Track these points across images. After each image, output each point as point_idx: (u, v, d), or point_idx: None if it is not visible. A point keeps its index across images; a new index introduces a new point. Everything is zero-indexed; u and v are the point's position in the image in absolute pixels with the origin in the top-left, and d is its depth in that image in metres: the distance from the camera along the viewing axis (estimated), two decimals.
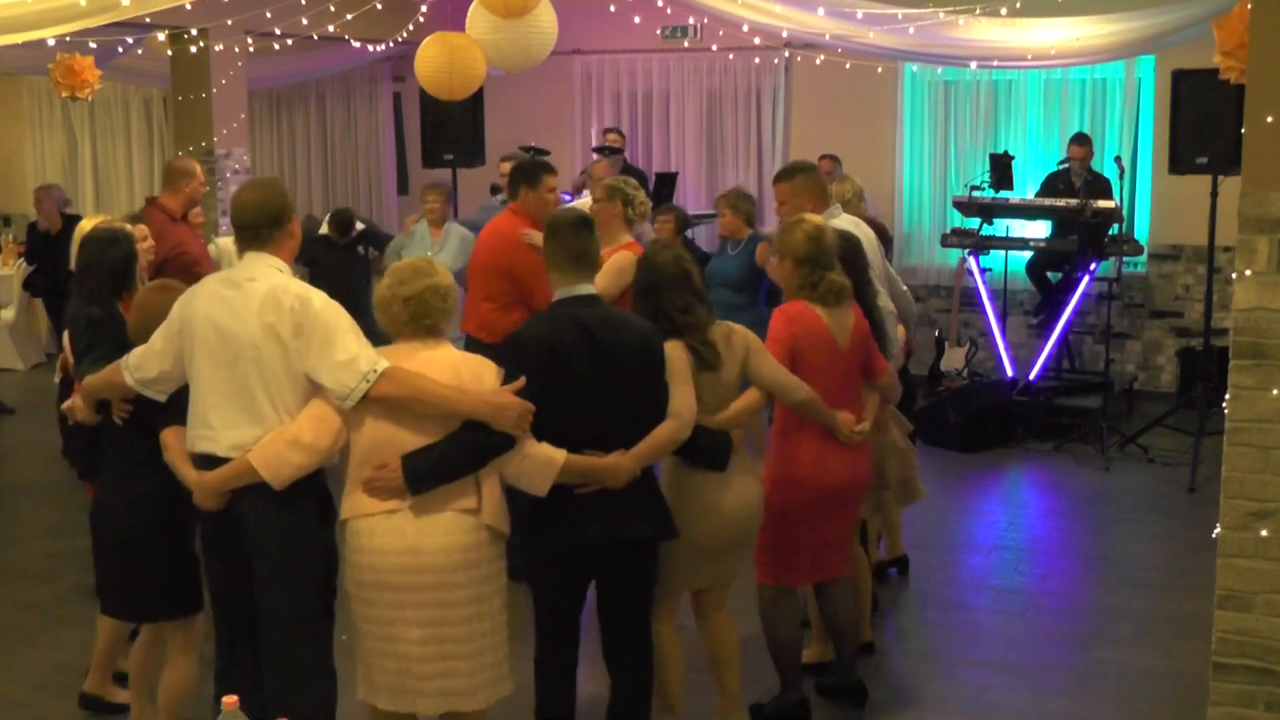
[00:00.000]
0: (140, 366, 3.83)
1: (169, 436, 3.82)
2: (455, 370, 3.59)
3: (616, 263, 5.20)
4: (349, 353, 3.50)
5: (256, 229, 3.72)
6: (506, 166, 8.46)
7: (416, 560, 3.52)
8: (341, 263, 8.30)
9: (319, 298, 3.62)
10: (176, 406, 3.81)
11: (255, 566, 3.66)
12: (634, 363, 3.77)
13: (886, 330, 4.84)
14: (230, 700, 2.55)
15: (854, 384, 4.51)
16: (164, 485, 3.92)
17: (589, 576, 3.88)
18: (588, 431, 3.70)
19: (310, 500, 3.67)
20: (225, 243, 7.69)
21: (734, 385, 4.15)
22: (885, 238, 6.11)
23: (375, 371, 3.48)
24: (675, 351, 3.93)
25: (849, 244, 4.70)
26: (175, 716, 4.26)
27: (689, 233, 8.79)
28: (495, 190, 9.67)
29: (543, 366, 3.63)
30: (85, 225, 5.68)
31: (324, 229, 8.58)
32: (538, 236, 5.52)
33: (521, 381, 3.57)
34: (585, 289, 3.82)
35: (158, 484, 3.96)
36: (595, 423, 3.72)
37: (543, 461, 3.62)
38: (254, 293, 3.61)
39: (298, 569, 3.65)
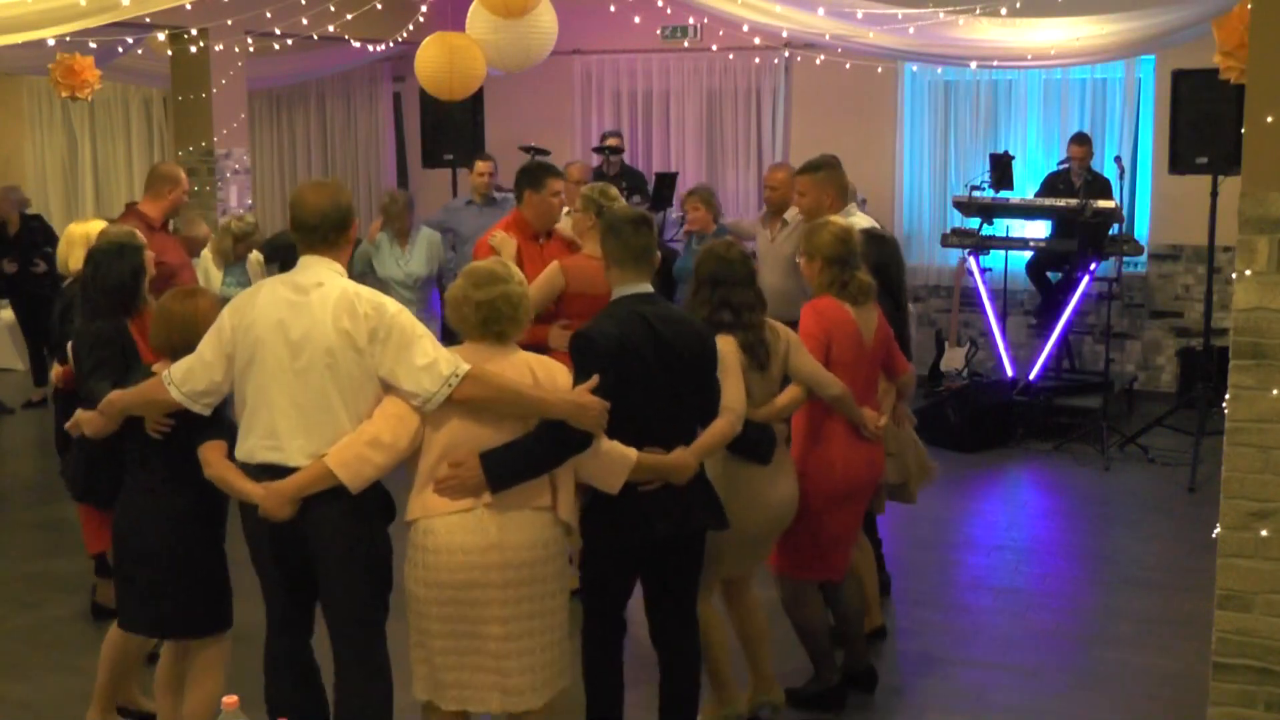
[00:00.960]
0: (187, 379, 3.69)
1: (210, 452, 3.71)
2: (531, 372, 3.62)
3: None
4: (428, 357, 3.49)
5: (324, 232, 3.66)
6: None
7: (502, 557, 3.53)
8: None
9: (392, 303, 3.60)
10: (218, 421, 3.76)
11: (322, 573, 3.63)
12: (692, 358, 3.86)
13: (908, 329, 5.06)
14: (230, 700, 2.55)
15: (875, 380, 4.68)
16: (198, 501, 3.89)
17: (639, 566, 3.98)
18: (650, 427, 3.80)
19: (377, 504, 3.66)
20: (204, 254, 7.64)
21: (778, 381, 4.30)
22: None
23: (457, 375, 3.47)
24: (727, 346, 4.04)
25: (888, 245, 4.92)
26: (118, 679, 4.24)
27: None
28: (499, 191, 9.68)
29: (614, 363, 3.69)
30: (75, 230, 5.62)
31: None
32: (500, 238, 5.53)
33: (596, 380, 3.61)
34: (645, 286, 3.90)
35: (192, 500, 3.91)
36: (657, 418, 3.82)
37: (617, 459, 3.70)
38: (325, 298, 3.55)
39: (367, 573, 3.63)
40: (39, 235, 9.99)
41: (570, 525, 3.71)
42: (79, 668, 5.02)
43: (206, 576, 4.01)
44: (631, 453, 3.72)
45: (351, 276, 3.72)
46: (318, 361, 3.52)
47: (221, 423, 3.79)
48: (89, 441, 4.14)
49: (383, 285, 7.81)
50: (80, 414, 4.13)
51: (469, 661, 3.60)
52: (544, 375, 3.64)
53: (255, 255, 7.84)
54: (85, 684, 4.93)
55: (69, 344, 4.69)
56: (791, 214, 6.84)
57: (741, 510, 4.13)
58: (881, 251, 4.98)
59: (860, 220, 5.15)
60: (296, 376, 3.53)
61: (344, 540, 3.58)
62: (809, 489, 4.41)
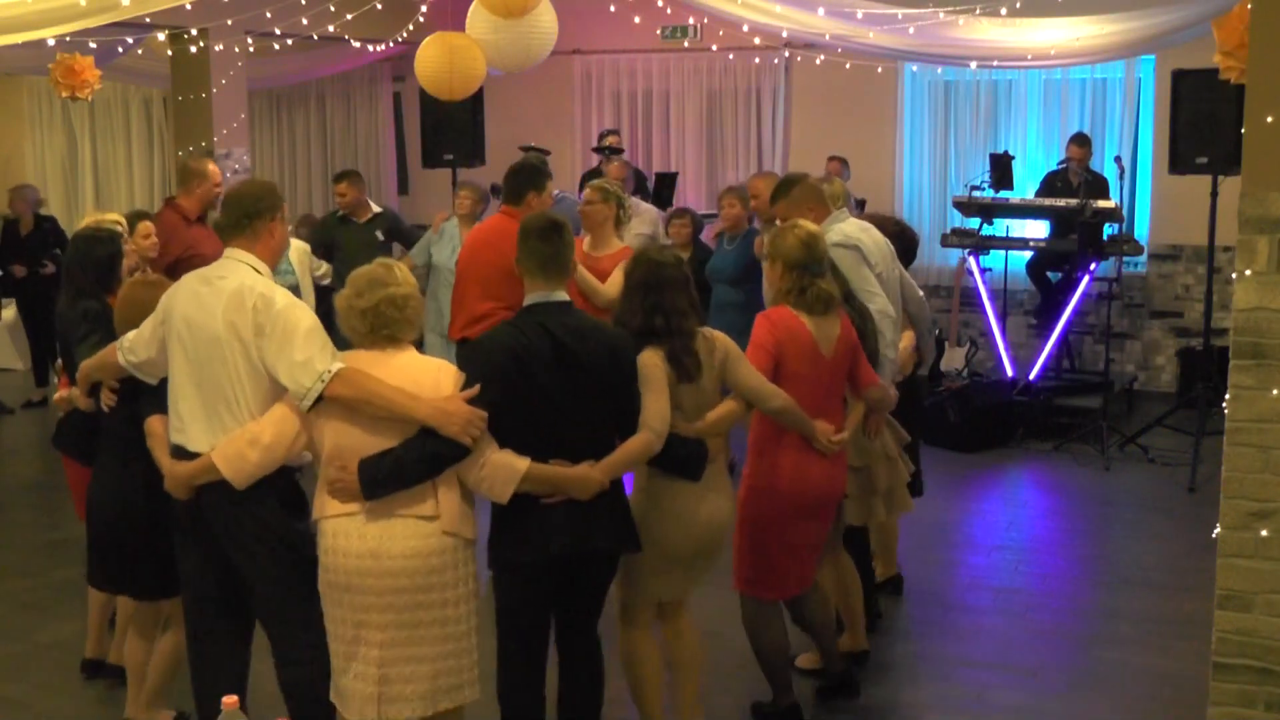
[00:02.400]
0: (132, 349, 3.97)
1: (154, 423, 3.96)
2: (414, 376, 3.59)
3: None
4: (306, 353, 3.54)
5: (235, 220, 3.82)
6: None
7: (378, 564, 3.51)
8: (361, 244, 8.03)
9: (283, 297, 3.67)
10: (162, 394, 3.90)
11: (229, 552, 3.77)
12: (603, 371, 3.72)
13: (883, 333, 4.74)
14: (230, 700, 2.56)
15: (836, 393, 4.44)
16: (153, 470, 3.98)
17: (552, 589, 3.80)
18: (555, 440, 3.65)
19: (271, 495, 3.72)
20: None
21: (713, 393, 4.10)
22: (909, 240, 5.95)
23: (329, 372, 3.51)
24: (650, 359, 3.86)
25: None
26: (166, 680, 4.41)
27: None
28: (495, 191, 9.67)
29: (505, 374, 3.59)
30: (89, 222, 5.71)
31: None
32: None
33: (475, 389, 3.54)
34: (557, 295, 3.77)
35: (148, 469, 4.02)
36: (562, 432, 3.67)
37: (504, 469, 3.58)
38: (222, 290, 3.70)
39: (264, 556, 3.73)
40: (50, 236, 9.99)
41: (461, 536, 3.60)
42: (79, 668, 5.03)
43: (165, 542, 4.11)
44: (522, 463, 3.58)
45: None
46: (210, 351, 3.68)
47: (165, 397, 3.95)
48: (81, 413, 4.42)
49: (436, 272, 7.91)
50: (73, 390, 4.43)
51: (356, 668, 3.58)
52: (430, 381, 3.58)
53: (298, 244, 7.75)
54: (85, 684, 4.95)
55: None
56: None
57: (667, 529, 3.97)
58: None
59: (848, 227, 4.98)
60: (196, 365, 3.71)
61: (237, 526, 3.72)
62: (762, 504, 4.28)
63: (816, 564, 4.58)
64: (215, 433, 3.68)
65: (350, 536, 3.54)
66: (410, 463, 3.51)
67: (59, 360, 5.12)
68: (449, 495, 3.58)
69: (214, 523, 3.75)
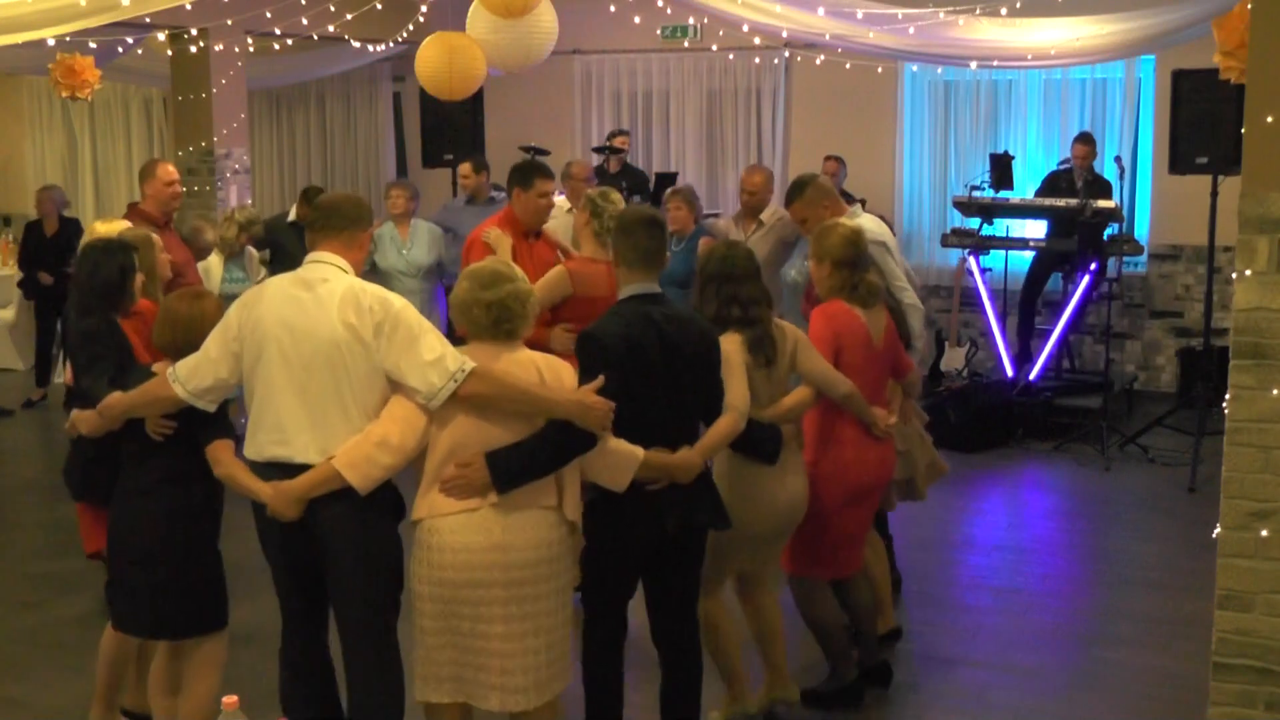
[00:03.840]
0: (193, 377, 3.70)
1: (220, 450, 3.73)
2: (537, 370, 3.62)
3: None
4: (435, 352, 3.50)
5: (336, 224, 3.73)
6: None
7: (505, 557, 3.53)
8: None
9: (397, 299, 3.61)
10: (223, 419, 3.78)
11: (333, 573, 3.64)
12: (697, 358, 3.88)
13: (912, 325, 5.04)
14: (230, 700, 2.55)
15: (885, 380, 4.71)
16: (193, 499, 3.90)
17: (643, 569, 3.98)
18: (655, 425, 3.81)
19: (386, 504, 3.67)
20: (214, 261, 7.65)
21: (785, 380, 4.32)
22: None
23: (463, 371, 3.48)
24: (732, 345, 4.07)
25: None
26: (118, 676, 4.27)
27: None
28: (497, 190, 9.66)
29: (620, 363, 3.70)
30: (100, 230, 5.57)
31: (293, 214, 8.24)
32: (495, 235, 5.53)
33: (602, 380, 3.62)
34: (652, 286, 3.91)
35: (187, 498, 3.91)
36: (662, 417, 3.83)
37: (624, 458, 3.70)
38: (331, 293, 3.58)
39: (378, 574, 3.65)
40: (75, 239, 9.97)
41: (575, 524, 3.71)
42: (80, 668, 5.02)
43: (202, 575, 4.01)
44: (639, 451, 3.72)
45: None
46: (323, 356, 3.53)
47: (227, 421, 3.80)
48: (86, 440, 4.14)
49: (385, 278, 7.74)
50: (76, 414, 4.13)
51: (470, 660, 3.59)
52: (550, 374, 3.63)
53: (255, 252, 7.83)
54: (86, 685, 4.93)
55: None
56: (768, 214, 6.85)
57: (747, 509, 4.16)
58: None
59: (865, 221, 5.14)
60: (303, 371, 3.55)
61: (353, 541, 3.60)
62: (823, 490, 4.45)
63: (862, 549, 4.76)
64: (324, 441, 3.53)
65: (475, 532, 3.51)
66: (543, 455, 3.57)
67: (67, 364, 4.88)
68: (572, 484, 3.65)
69: (321, 540, 3.59)
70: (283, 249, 7.97)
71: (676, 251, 7.28)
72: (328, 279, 3.63)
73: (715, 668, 4.38)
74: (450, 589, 3.55)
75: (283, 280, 3.72)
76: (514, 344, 3.66)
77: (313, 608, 3.81)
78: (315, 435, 3.55)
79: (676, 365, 3.82)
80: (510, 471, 3.53)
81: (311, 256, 3.73)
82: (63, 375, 5.45)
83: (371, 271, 7.81)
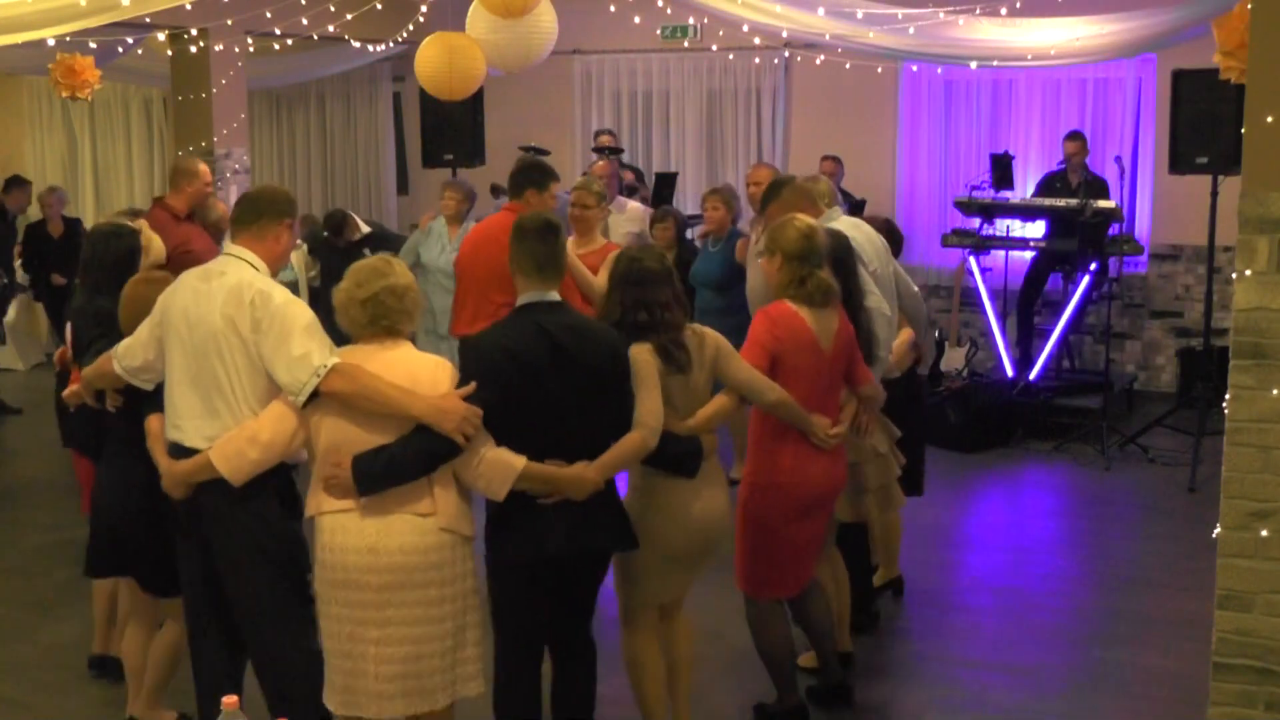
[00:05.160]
0: (126, 355, 3.97)
1: (153, 422, 3.94)
2: (412, 372, 3.58)
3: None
4: (303, 348, 3.55)
5: (245, 215, 3.86)
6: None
7: (375, 560, 3.51)
8: (341, 265, 8.14)
9: (280, 294, 3.69)
10: (160, 394, 3.91)
11: (218, 557, 3.78)
12: (599, 370, 3.71)
13: (875, 332, 4.73)
14: (230, 700, 2.56)
15: (835, 389, 4.43)
16: (154, 469, 3.98)
17: (547, 589, 3.81)
18: (551, 439, 3.66)
19: (270, 494, 3.74)
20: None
21: (705, 389, 4.07)
22: (896, 237, 5.96)
23: (325, 367, 3.51)
24: (642, 356, 3.84)
25: (839, 244, 4.62)
26: (165, 677, 4.42)
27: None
28: (496, 191, 9.66)
29: (501, 373, 3.60)
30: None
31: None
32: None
33: (471, 387, 3.55)
34: (551, 295, 3.77)
35: (149, 468, 4.01)
36: (559, 431, 3.67)
37: (501, 467, 3.58)
38: (221, 286, 3.71)
39: (258, 560, 3.74)
40: (79, 239, 9.99)
41: (459, 533, 3.59)
42: (81, 669, 5.04)
43: (163, 542, 4.12)
44: (518, 460, 3.58)
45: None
46: (209, 347, 3.68)
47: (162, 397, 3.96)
48: (88, 407, 4.38)
49: (425, 273, 7.79)
50: (74, 386, 4.45)
51: (351, 666, 3.57)
52: (427, 377, 3.58)
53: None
54: (86, 685, 4.95)
55: (68, 324, 4.85)
56: None
57: (662, 527, 3.95)
58: (835, 248, 4.59)
59: (840, 224, 4.98)
60: (194, 360, 3.71)
61: (234, 526, 3.73)
62: (765, 503, 4.27)
63: (816, 562, 4.57)
64: (212, 429, 3.69)
65: (348, 533, 3.53)
66: (405, 459, 3.51)
67: (63, 349, 5.10)
68: (445, 492, 3.58)
69: (209, 523, 3.74)
70: (325, 267, 8.11)
71: (712, 253, 7.20)
72: (225, 272, 3.76)
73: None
74: (328, 589, 3.59)
75: (193, 272, 3.88)
76: (397, 342, 3.64)
77: (212, 590, 3.90)
78: (204, 423, 3.71)
79: (573, 376, 3.65)
80: (371, 474, 3.50)
81: (224, 248, 3.89)
82: (55, 365, 5.62)
83: (416, 266, 7.88)
